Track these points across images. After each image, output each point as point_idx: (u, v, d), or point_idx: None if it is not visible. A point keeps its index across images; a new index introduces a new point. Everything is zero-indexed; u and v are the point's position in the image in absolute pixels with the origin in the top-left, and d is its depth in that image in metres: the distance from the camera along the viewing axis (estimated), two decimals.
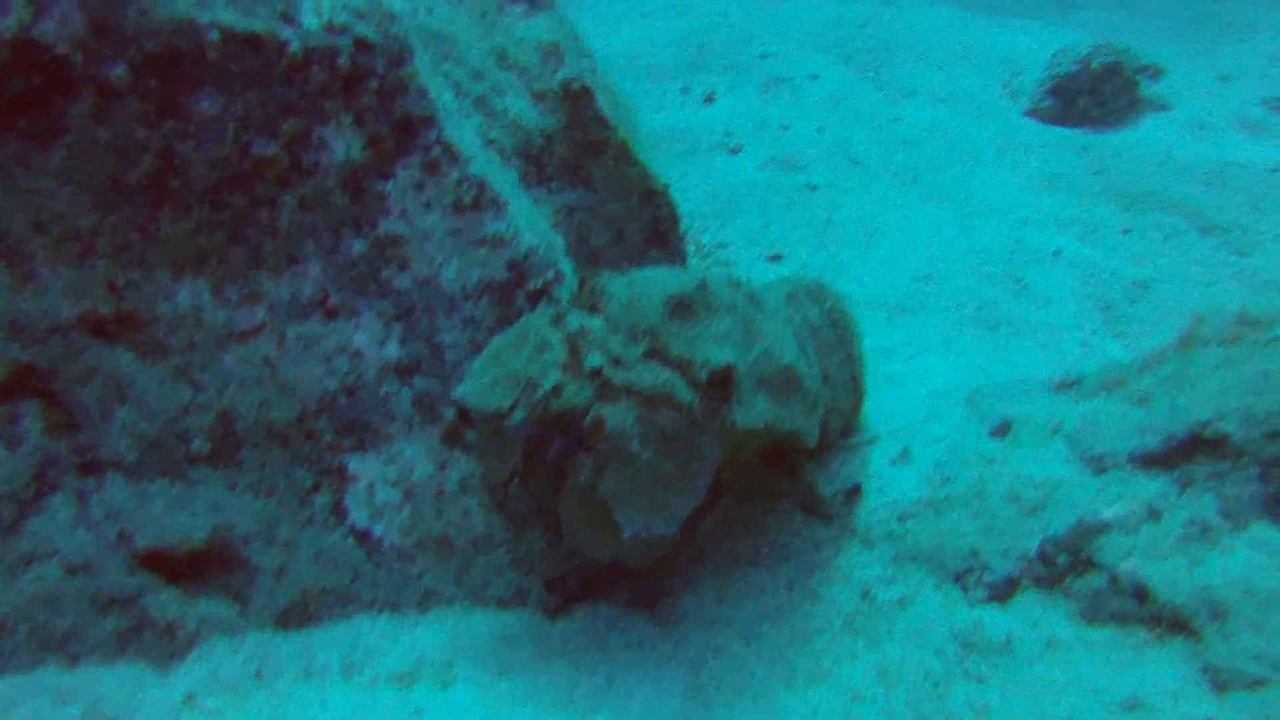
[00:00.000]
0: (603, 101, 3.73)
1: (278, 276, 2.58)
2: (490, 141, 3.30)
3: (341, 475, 2.61)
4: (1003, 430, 3.17)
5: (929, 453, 3.12)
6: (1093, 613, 2.57)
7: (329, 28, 2.57)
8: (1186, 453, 2.76)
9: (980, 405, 3.43)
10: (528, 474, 2.49)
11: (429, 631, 2.54)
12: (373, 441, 2.63)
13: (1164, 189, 5.67)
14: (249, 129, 2.51)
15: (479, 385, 2.42)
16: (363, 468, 2.62)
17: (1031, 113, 6.76)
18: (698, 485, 2.38)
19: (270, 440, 2.56)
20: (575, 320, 2.37)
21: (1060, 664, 2.47)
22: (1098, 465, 2.86)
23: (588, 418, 2.24)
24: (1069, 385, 3.40)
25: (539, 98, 3.65)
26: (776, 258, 4.73)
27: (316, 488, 2.58)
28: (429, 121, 2.69)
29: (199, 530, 2.42)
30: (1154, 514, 2.64)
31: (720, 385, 2.31)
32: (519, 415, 2.30)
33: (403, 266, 2.69)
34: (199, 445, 2.49)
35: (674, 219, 4.08)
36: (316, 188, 2.60)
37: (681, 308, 2.39)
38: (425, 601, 2.61)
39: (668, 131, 5.74)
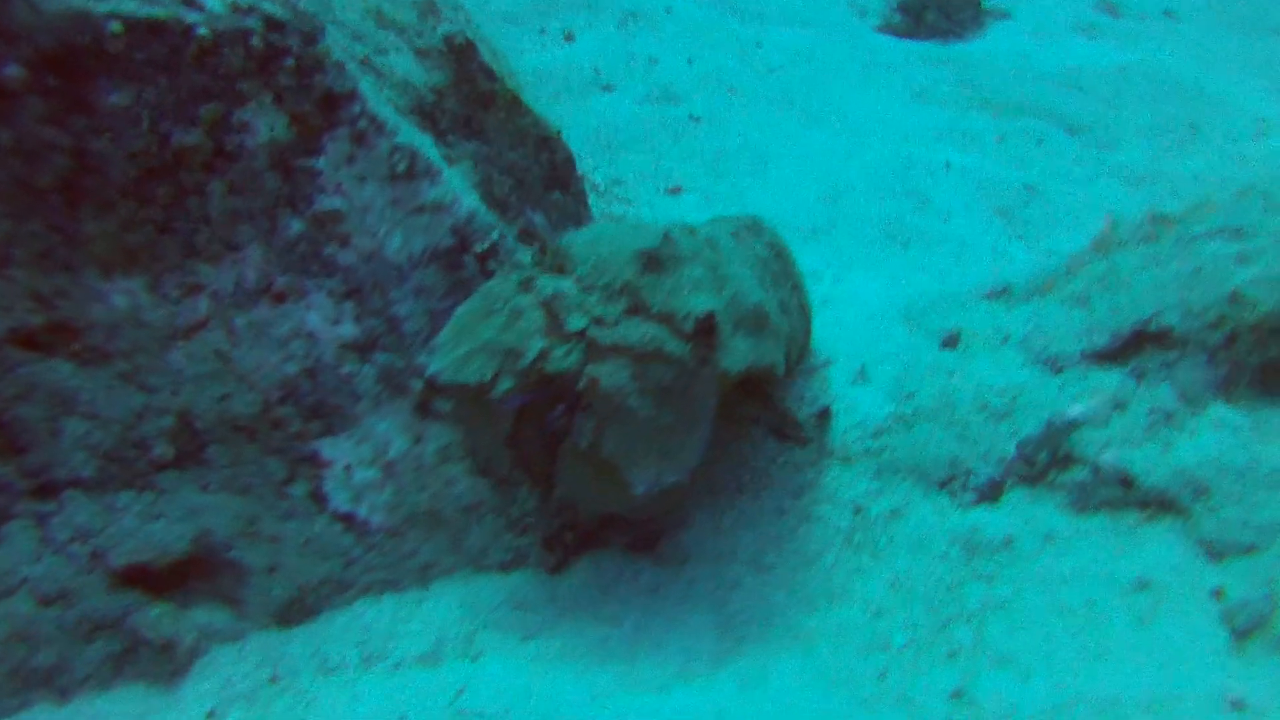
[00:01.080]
0: (485, 54, 3.65)
1: (217, 265, 2.44)
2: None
3: (315, 462, 2.50)
4: (952, 342, 3.25)
5: (886, 370, 3.18)
6: (1082, 503, 2.68)
7: (235, 8, 2.41)
8: (1135, 347, 2.89)
9: (920, 320, 3.51)
10: (519, 441, 2.44)
11: (438, 606, 2.47)
12: (341, 423, 2.53)
13: (1026, 95, 5.86)
14: (165, 118, 2.34)
15: (452, 360, 2.35)
16: (336, 451, 2.52)
17: (883, 29, 6.88)
18: (700, 432, 2.38)
19: (236, 435, 2.43)
20: (546, 284, 2.31)
21: (1063, 554, 2.57)
22: (1053, 366, 2.96)
23: (581, 380, 2.20)
24: (999, 293, 3.51)
25: (423, 55, 3.52)
26: (676, 190, 4.71)
27: (291, 478, 2.47)
28: (352, 95, 2.57)
29: (178, 538, 2.29)
30: (1119, 406, 2.75)
31: (706, 333, 2.31)
32: (504, 385, 2.24)
33: (345, 242, 2.58)
34: (161, 450, 2.35)
35: (570, 163, 4.04)
36: (245, 171, 2.45)
37: (652, 262, 2.37)
38: (425, 576, 2.54)
39: (535, 74, 5.63)
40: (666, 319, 2.28)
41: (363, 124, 2.54)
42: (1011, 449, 2.80)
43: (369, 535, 2.46)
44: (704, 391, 2.35)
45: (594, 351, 2.21)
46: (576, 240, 2.41)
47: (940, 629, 2.47)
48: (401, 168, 2.59)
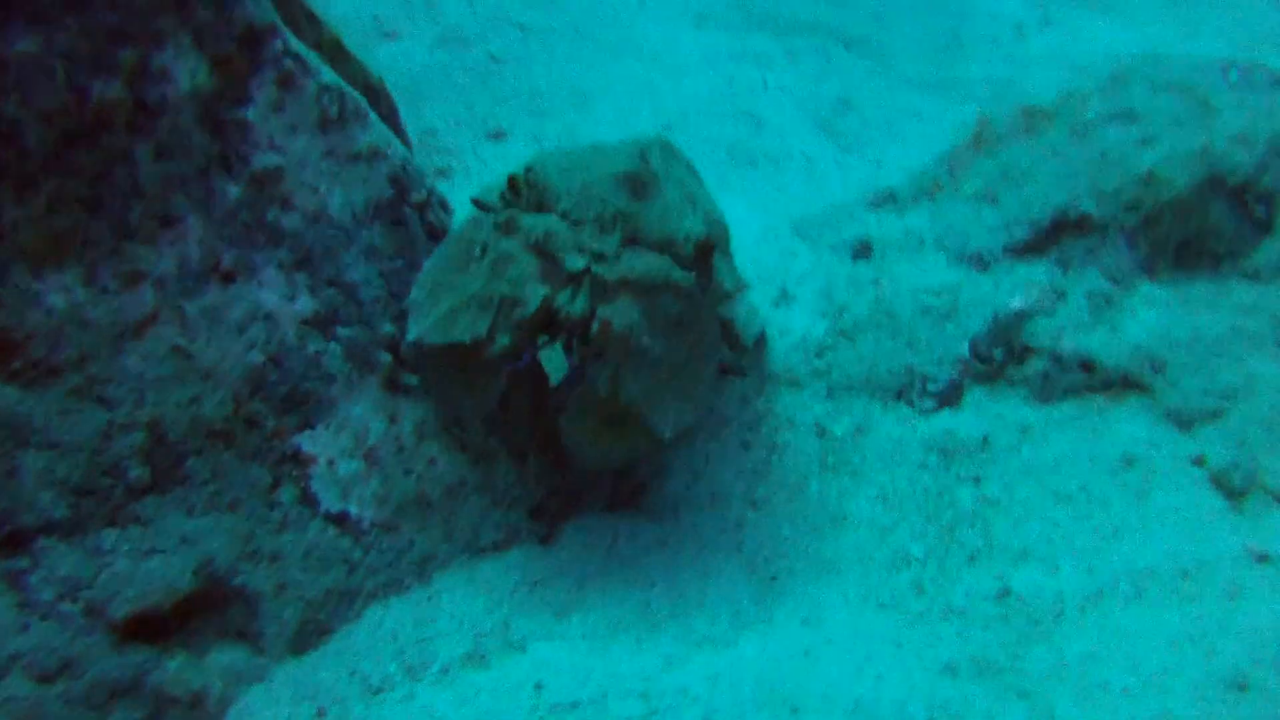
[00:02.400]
0: None
1: (155, 246, 2.06)
2: None
3: (298, 460, 2.19)
4: (865, 252, 3.27)
5: (807, 288, 3.16)
6: (1047, 394, 2.77)
7: None
8: (1054, 237, 3.01)
9: (815, 236, 3.51)
10: (508, 404, 2.27)
11: (455, 601, 2.24)
12: (317, 412, 2.22)
13: (797, 14, 5.97)
14: (82, 69, 1.94)
15: (436, 319, 2.12)
16: (316, 445, 2.21)
17: None
18: (712, 365, 2.28)
19: (213, 442, 2.08)
20: (532, 223, 2.11)
21: (1042, 445, 2.65)
22: (978, 263, 3.04)
23: (595, 324, 2.03)
24: (884, 201, 3.56)
25: None
26: (499, 135, 4.48)
27: (277, 482, 2.15)
28: (272, 29, 2.23)
29: (179, 573, 1.93)
30: (1059, 294, 2.86)
31: (705, 256, 2.19)
32: (502, 341, 2.05)
33: (287, 204, 2.25)
34: (137, 473, 1.97)
35: (396, 112, 3.76)
36: (171, 129, 2.08)
37: (637, 185, 2.22)
38: (424, 570, 2.29)
39: None
40: (665, 246, 2.14)
41: (288, 63, 2.22)
42: (964, 349, 2.86)
43: (364, 534, 2.19)
44: (709, 319, 2.26)
45: (601, 291, 2.03)
46: (544, 170, 2.20)
47: (948, 536, 2.50)
48: (334, 111, 2.29)
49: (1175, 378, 2.67)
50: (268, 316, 2.17)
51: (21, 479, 1.84)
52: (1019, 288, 2.92)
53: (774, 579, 2.36)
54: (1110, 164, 3.00)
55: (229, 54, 2.15)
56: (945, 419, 2.79)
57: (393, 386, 2.32)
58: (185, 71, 2.08)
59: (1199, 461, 2.52)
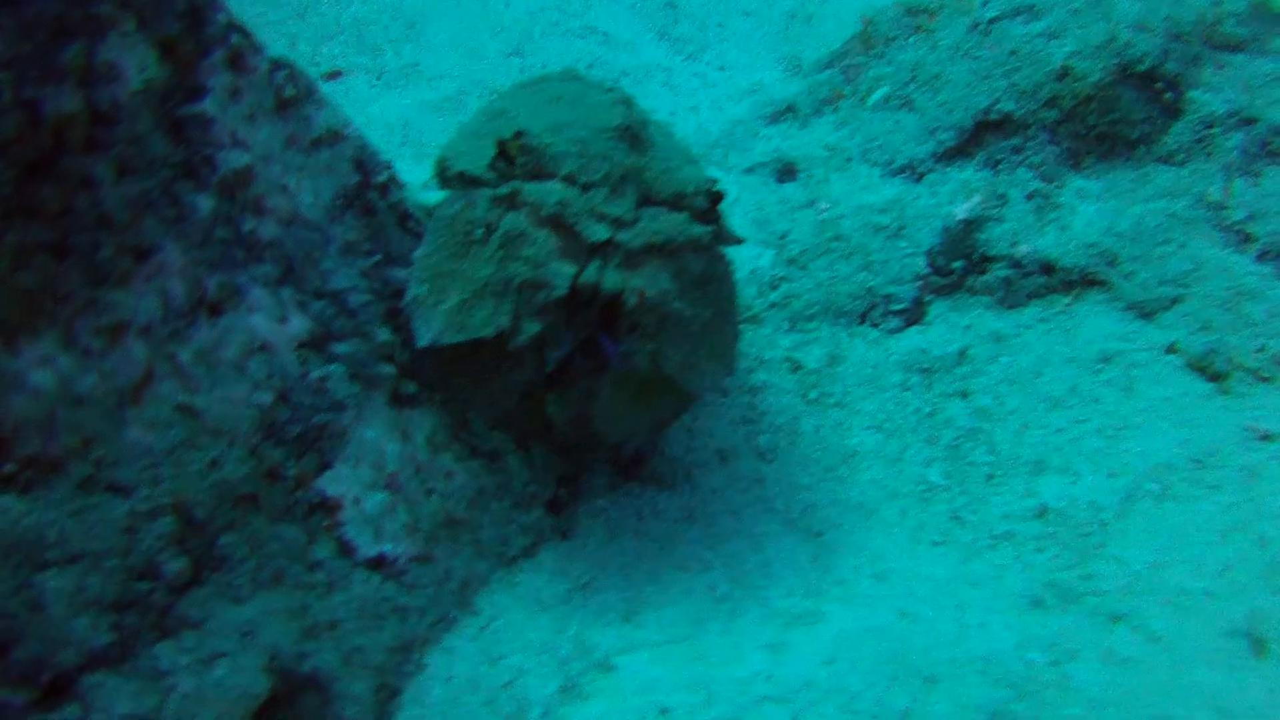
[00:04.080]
0: None
1: (132, 286, 1.69)
2: None
3: (326, 507, 1.90)
4: (790, 173, 3.18)
5: (738, 217, 3.04)
6: (1010, 300, 2.80)
7: None
8: (979, 138, 3.01)
9: (723, 160, 3.39)
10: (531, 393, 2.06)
11: (515, 627, 2.05)
12: (333, 447, 1.94)
13: None
14: (27, 75, 1.53)
15: (447, 316, 1.89)
16: (339, 485, 1.93)
17: None
18: (734, 314, 2.17)
19: (242, 509, 1.76)
20: (541, 193, 1.90)
21: (1019, 351, 2.69)
22: (913, 174, 3.01)
23: (629, 297, 1.86)
24: (782, 115, 3.47)
25: None
26: (336, 75, 4.04)
27: (312, 538, 1.86)
28: (213, 4, 1.86)
29: (252, 677, 1.64)
30: (1001, 199, 2.87)
31: (716, 204, 2.06)
32: (529, 330, 1.85)
33: (260, 210, 1.91)
34: (176, 567, 1.64)
35: None
36: (130, 138, 1.69)
37: (634, 138, 2.04)
38: (466, 597, 2.08)
39: None
40: (677, 200, 2.00)
41: (235, 39, 1.88)
42: (921, 264, 2.84)
43: (404, 573, 1.97)
44: (725, 271, 2.15)
45: (630, 260, 1.88)
46: (535, 132, 1.98)
47: (958, 456, 2.52)
48: (289, 92, 1.97)
49: (1129, 270, 2.75)
50: (264, 347, 1.86)
51: (49, 610, 1.49)
52: (959, 195, 2.92)
53: (819, 534, 2.30)
54: (1023, 61, 3.01)
55: (175, 36, 1.77)
56: (915, 337, 2.78)
57: (398, 399, 2.05)
58: (134, 64, 1.70)
59: (1172, 349, 2.61)
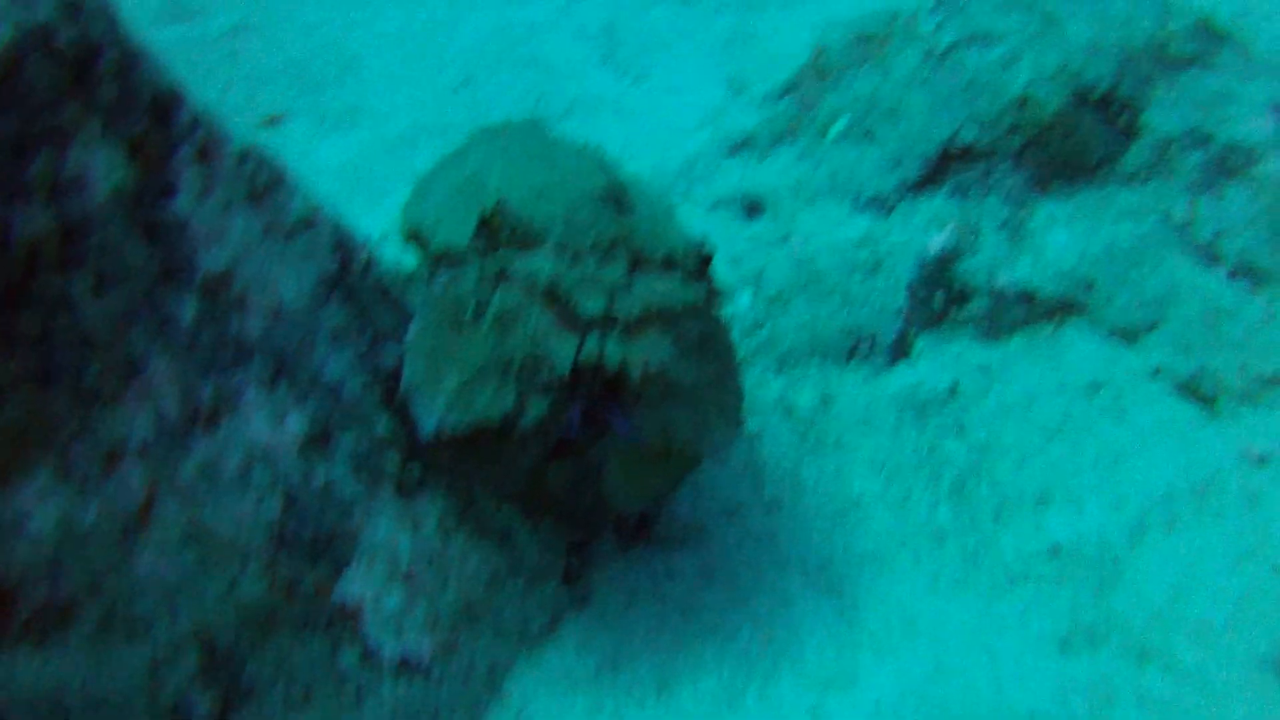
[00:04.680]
0: None
1: (123, 405, 1.58)
2: None
3: (345, 613, 1.80)
4: (756, 209, 3.15)
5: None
6: (994, 331, 2.79)
7: None
8: (944, 168, 3.02)
9: (685, 191, 3.35)
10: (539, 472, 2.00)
11: (547, 711, 1.97)
12: (345, 549, 1.84)
13: None
14: None
15: (448, 401, 1.82)
16: (355, 587, 1.84)
17: None
18: (736, 372, 2.12)
19: (265, 631, 1.66)
20: (527, 267, 1.84)
21: (1009, 383, 2.68)
22: (882, 207, 3.01)
23: (633, 370, 1.81)
24: (740, 147, 3.44)
25: None
26: (277, 120, 3.91)
27: (336, 648, 1.76)
28: (175, 94, 1.76)
29: None
30: (973, 229, 2.87)
31: (708, 264, 2.02)
32: (536, 410, 1.79)
33: (245, 307, 1.81)
34: (205, 706, 1.53)
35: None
36: (103, 249, 1.58)
37: (619, 202, 1.99)
38: (494, 685, 2.00)
39: None
40: (669, 262, 1.94)
41: (203, 131, 1.77)
42: (901, 299, 2.83)
43: (431, 671, 1.88)
44: (722, 328, 2.12)
45: (630, 330, 1.82)
46: (514, 201, 1.92)
47: (960, 495, 2.50)
48: (261, 181, 1.87)
49: (1107, 295, 2.77)
50: (266, 452, 1.75)
51: None
52: (931, 227, 2.91)
53: (840, 588, 2.26)
54: (981, 91, 3.02)
55: (142, 134, 1.66)
56: (904, 373, 2.76)
57: (405, 488, 1.97)
58: (102, 169, 1.59)
59: (1158, 372, 2.62)
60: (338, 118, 3.83)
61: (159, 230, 1.68)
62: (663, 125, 3.91)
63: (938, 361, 2.76)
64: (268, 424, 1.77)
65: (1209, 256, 2.80)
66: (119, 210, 1.61)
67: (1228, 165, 2.92)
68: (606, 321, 1.82)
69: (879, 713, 1.94)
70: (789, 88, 3.49)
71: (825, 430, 2.66)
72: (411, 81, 4.03)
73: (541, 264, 1.84)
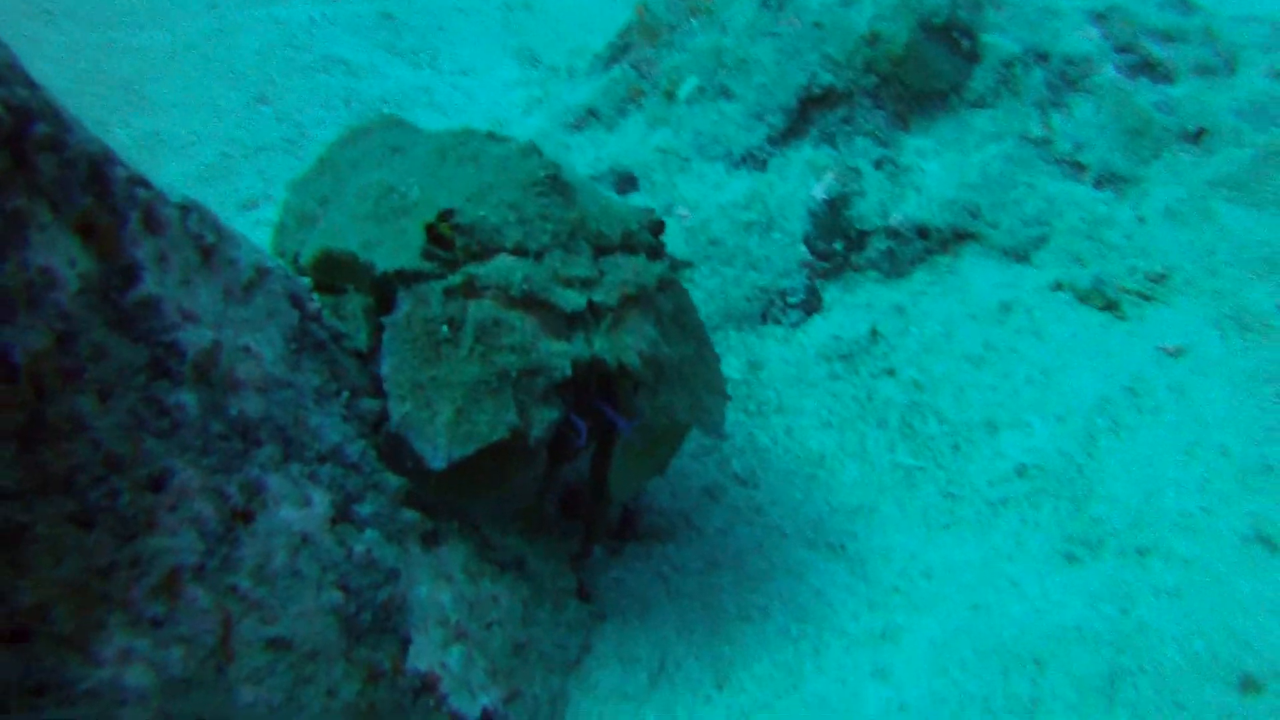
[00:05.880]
0: None
1: (160, 525, 1.36)
2: None
3: (427, 688, 1.65)
4: (630, 182, 3.09)
5: None
6: (897, 269, 2.87)
7: None
8: (806, 115, 3.04)
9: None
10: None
11: None
12: (402, 619, 1.67)
13: None
14: None
15: (447, 431, 1.68)
16: (426, 657, 1.67)
17: None
18: (709, 342, 2.10)
19: None
20: (499, 275, 1.73)
21: (924, 317, 2.77)
22: (756, 163, 3.01)
23: (630, 360, 1.76)
24: (585, 119, 3.36)
25: None
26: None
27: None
28: (108, 154, 1.51)
29: None
30: (854, 171, 2.92)
31: (660, 232, 1.98)
32: (544, 418, 1.71)
33: (236, 385, 1.59)
34: None
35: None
36: (93, 354, 1.35)
37: (563, 187, 1.90)
38: (557, 716, 1.90)
39: None
40: (629, 241, 1.88)
41: (141, 193, 1.54)
42: (801, 252, 2.85)
43: (508, 718, 1.76)
44: (689, 300, 2.09)
45: (612, 321, 1.77)
46: (463, 214, 1.80)
47: (911, 432, 2.56)
48: (208, 239, 1.65)
49: (993, 218, 2.89)
50: (306, 541, 1.57)
51: None
52: (809, 176, 2.93)
53: (843, 547, 2.27)
54: (829, 32, 3.06)
55: (89, 210, 1.42)
56: (822, 326, 2.79)
57: (427, 541, 1.82)
58: (64, 261, 1.34)
59: (1058, 286, 2.76)
60: (134, 150, 3.44)
61: (134, 318, 1.44)
62: (485, 113, 3.76)
63: (851, 308, 2.79)
64: (296, 509, 1.57)
65: (1074, 168, 2.97)
66: (92, 304, 1.37)
67: (1069, 78, 3.09)
68: (591, 316, 1.74)
69: (940, 654, 1.96)
70: (617, 52, 3.41)
71: (763, 396, 2.65)
72: (205, 103, 3.66)
73: (512, 269, 1.72)
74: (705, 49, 3.21)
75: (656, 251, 1.92)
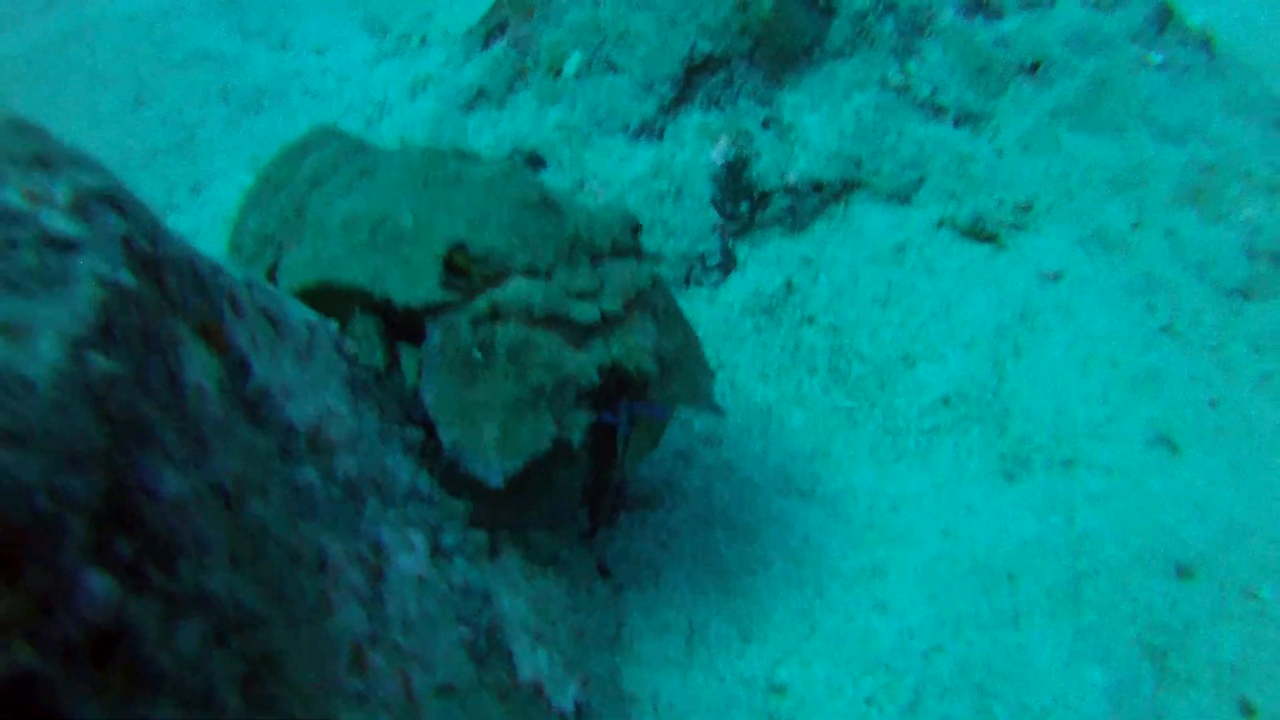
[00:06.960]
0: None
1: (333, 604, 1.47)
2: None
3: (538, 695, 1.81)
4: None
5: None
6: (799, 223, 3.12)
7: (79, 209, 1.27)
8: (691, 83, 3.22)
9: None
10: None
11: (682, 698, 2.10)
12: (502, 635, 1.82)
13: None
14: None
15: (497, 449, 1.87)
16: (530, 666, 1.82)
17: None
18: (689, 325, 2.30)
19: None
20: (519, 298, 1.90)
21: (829, 266, 3.04)
22: (653, 133, 3.17)
23: (645, 361, 1.98)
24: (475, 100, 3.42)
25: None
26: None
27: None
28: (190, 250, 1.56)
29: None
30: (743, 133, 3.13)
31: (638, 233, 2.18)
32: (581, 422, 1.92)
33: (332, 448, 1.68)
34: None
35: None
36: (248, 455, 1.43)
37: (551, 203, 2.06)
38: (619, 692, 2.10)
39: None
40: (616, 246, 2.05)
41: (223, 280, 1.61)
42: (712, 216, 3.06)
43: (591, 707, 1.97)
44: (669, 292, 2.28)
45: (622, 326, 1.97)
46: (473, 244, 1.96)
47: (839, 374, 2.85)
48: (271, 307, 1.73)
49: (874, 166, 3.17)
50: (423, 585, 1.69)
51: None
52: (704, 141, 3.12)
53: (811, 492, 2.53)
54: (702, 2, 3.22)
55: (200, 309, 1.48)
56: (740, 283, 3.02)
57: (491, 555, 1.97)
58: (204, 372, 1.41)
59: (942, 223, 3.09)
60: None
61: (256, 406, 1.51)
62: (363, 96, 3.73)
63: (763, 264, 3.02)
64: (408, 555, 1.69)
65: (934, 111, 3.27)
66: (229, 404, 1.44)
67: (916, 24, 3.37)
68: (604, 324, 1.91)
69: (927, 577, 2.26)
70: (493, 30, 3.47)
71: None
72: (78, 109, 3.47)
73: (526, 291, 1.87)
74: (583, 23, 3.30)
75: (637, 251, 2.09)
